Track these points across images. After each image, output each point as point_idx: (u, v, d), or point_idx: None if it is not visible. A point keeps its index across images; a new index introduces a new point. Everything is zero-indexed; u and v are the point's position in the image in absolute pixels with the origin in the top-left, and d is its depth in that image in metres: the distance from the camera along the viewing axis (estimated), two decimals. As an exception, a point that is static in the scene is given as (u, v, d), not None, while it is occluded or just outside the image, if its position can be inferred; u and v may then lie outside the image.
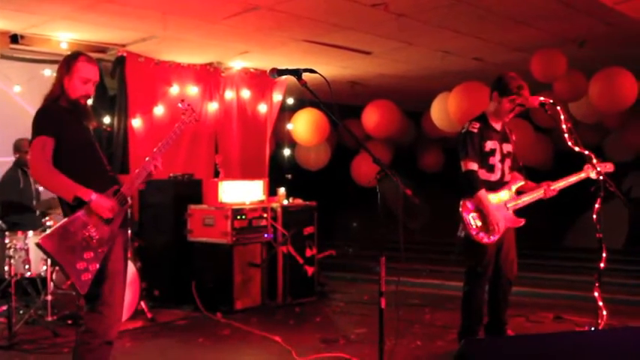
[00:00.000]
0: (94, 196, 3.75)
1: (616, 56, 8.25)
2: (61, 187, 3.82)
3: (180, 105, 4.23)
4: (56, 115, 3.94)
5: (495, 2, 6.28)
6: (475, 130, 5.04)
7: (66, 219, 3.79)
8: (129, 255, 4.66)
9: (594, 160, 5.02)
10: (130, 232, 4.28)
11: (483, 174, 5.04)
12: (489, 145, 5.07)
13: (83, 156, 3.95)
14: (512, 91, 4.98)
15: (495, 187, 5.07)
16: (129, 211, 4.18)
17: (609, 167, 5.18)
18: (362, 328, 6.36)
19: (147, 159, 3.98)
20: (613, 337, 3.37)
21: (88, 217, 3.77)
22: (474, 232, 4.93)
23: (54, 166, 3.83)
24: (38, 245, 3.74)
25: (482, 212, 4.94)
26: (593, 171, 5.02)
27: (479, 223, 4.95)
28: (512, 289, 5.35)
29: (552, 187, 5.13)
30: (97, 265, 3.76)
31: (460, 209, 4.98)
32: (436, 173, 12.39)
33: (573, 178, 5.17)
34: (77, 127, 3.99)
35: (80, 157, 3.93)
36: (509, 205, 5.05)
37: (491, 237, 4.94)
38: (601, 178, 4.95)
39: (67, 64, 4.00)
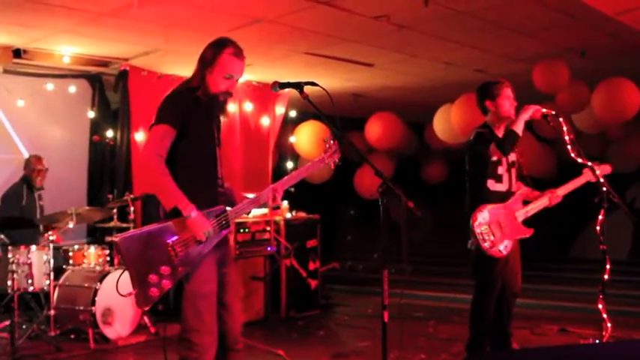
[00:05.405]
0: (194, 214, 3.38)
1: (619, 67, 8.25)
2: (164, 191, 3.43)
3: (325, 141, 3.87)
4: (186, 106, 3.53)
5: (496, 13, 6.28)
6: (485, 132, 4.96)
7: (154, 225, 3.44)
8: None
9: (597, 171, 4.98)
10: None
11: (492, 184, 4.95)
12: (496, 154, 4.95)
13: (201, 158, 3.59)
14: (499, 87, 4.94)
15: (504, 197, 4.97)
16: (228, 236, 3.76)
17: (607, 169, 5.13)
18: (366, 341, 6.33)
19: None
20: (618, 350, 3.35)
21: (180, 230, 3.40)
22: (487, 246, 4.79)
23: (167, 162, 3.45)
24: (115, 244, 3.36)
25: (494, 225, 4.87)
26: (593, 174, 4.97)
27: (492, 237, 4.82)
28: (517, 301, 5.28)
29: (556, 194, 5.10)
30: (170, 284, 3.43)
31: (471, 222, 4.81)
32: (440, 185, 12.36)
33: (575, 183, 5.13)
34: (204, 124, 3.61)
35: (197, 159, 3.56)
36: (518, 215, 4.98)
37: (503, 250, 4.86)
38: (602, 181, 4.90)
39: (212, 55, 3.58)
